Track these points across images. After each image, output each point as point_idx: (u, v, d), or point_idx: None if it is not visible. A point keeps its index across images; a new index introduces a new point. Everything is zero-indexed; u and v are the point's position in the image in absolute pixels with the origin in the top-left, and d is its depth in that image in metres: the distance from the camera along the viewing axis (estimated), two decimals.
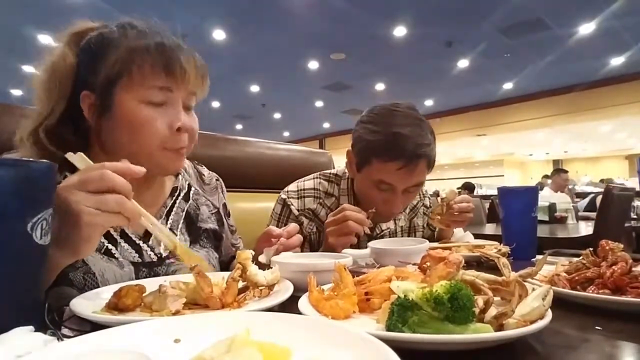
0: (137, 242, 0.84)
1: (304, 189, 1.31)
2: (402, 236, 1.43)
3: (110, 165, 0.60)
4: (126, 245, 0.82)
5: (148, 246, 0.85)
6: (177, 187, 0.97)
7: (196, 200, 1.01)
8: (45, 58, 0.81)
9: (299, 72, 7.94)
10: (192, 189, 1.02)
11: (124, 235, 0.83)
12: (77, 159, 0.63)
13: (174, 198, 0.96)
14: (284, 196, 1.30)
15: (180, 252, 0.71)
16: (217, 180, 1.14)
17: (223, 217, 1.08)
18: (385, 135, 1.11)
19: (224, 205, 1.12)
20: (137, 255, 0.83)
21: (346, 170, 1.34)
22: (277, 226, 1.28)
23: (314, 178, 1.35)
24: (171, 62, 0.78)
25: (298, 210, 1.27)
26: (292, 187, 1.33)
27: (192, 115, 0.86)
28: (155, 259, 0.85)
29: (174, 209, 0.94)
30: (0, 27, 5.65)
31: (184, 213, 0.96)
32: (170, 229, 0.91)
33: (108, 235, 0.81)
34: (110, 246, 0.80)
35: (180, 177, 1.00)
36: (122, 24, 0.81)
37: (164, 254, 0.86)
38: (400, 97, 1.28)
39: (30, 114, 0.81)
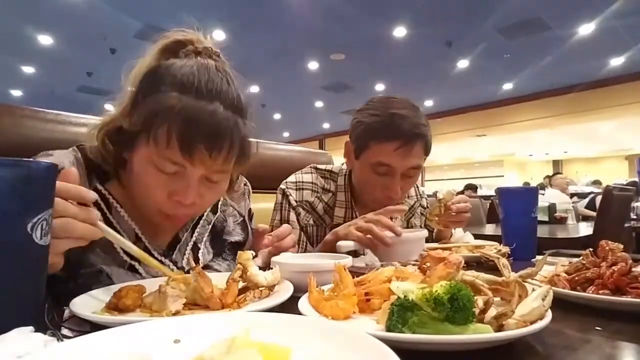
0: (159, 257, 0.83)
1: (302, 182, 1.33)
2: None
3: (59, 187, 0.53)
4: None
5: (171, 261, 0.84)
6: None
7: (224, 212, 1.00)
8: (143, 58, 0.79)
9: (299, 73, 7.94)
10: (221, 199, 1.00)
11: (145, 252, 0.81)
12: None
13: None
14: (283, 186, 1.33)
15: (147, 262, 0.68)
16: (244, 185, 1.11)
17: (247, 223, 1.07)
18: (383, 117, 1.14)
19: (249, 210, 1.10)
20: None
21: (342, 167, 1.36)
22: (279, 215, 1.29)
23: (311, 172, 1.36)
24: (192, 142, 0.69)
25: (296, 201, 1.30)
26: (291, 178, 1.35)
27: (212, 188, 0.78)
28: None
29: (201, 221, 0.93)
30: (0, 27, 5.65)
31: (210, 226, 0.95)
32: (195, 243, 0.91)
33: (129, 254, 0.79)
34: (133, 262, 0.79)
35: None
36: (186, 72, 0.72)
37: (187, 268, 0.85)
38: None
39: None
